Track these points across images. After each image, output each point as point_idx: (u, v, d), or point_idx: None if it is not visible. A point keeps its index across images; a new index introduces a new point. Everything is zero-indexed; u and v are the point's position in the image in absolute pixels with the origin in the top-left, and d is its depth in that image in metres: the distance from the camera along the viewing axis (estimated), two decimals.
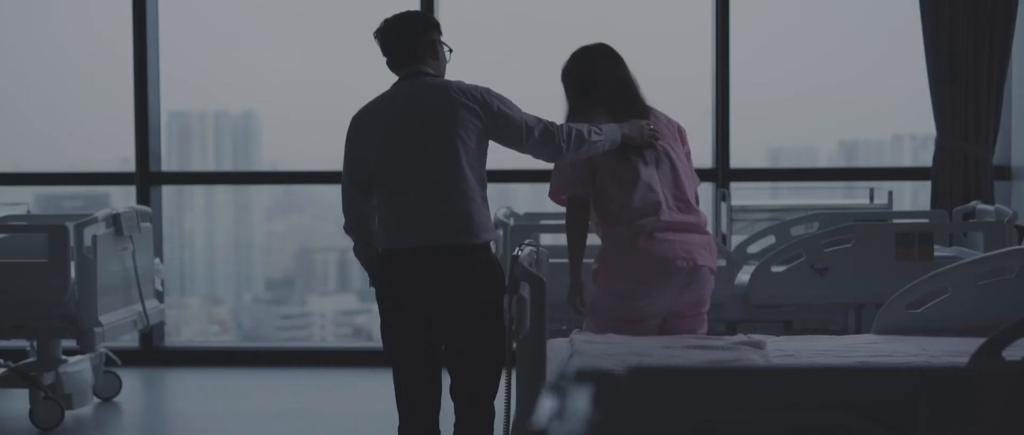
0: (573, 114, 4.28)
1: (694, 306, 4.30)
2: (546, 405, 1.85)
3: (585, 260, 4.34)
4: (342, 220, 4.02)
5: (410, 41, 3.94)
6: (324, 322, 9.53)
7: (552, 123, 3.96)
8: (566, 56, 4.42)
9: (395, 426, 3.99)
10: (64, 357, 5.87)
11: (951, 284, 4.46)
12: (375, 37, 3.99)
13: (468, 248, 3.81)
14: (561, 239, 6.53)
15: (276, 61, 8.71)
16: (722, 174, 7.03)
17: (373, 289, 4.01)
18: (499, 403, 3.83)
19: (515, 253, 3.57)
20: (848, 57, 7.91)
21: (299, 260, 10.19)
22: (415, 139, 3.81)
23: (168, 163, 7.64)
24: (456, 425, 3.97)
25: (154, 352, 7.30)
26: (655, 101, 4.41)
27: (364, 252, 3.99)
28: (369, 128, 3.90)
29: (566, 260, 4.39)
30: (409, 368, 3.91)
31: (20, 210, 6.56)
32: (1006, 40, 6.67)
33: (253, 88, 8.76)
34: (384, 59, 4.00)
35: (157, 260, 6.35)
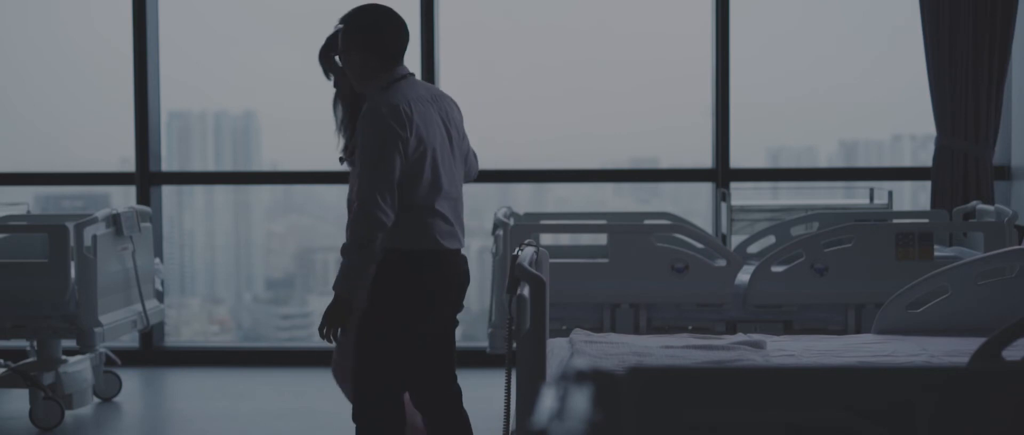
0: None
1: None
2: (546, 405, 1.85)
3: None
4: (343, 220, 3.90)
5: (407, 40, 3.91)
6: None
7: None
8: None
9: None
10: (64, 357, 5.87)
11: (951, 284, 4.46)
12: (376, 29, 3.81)
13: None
14: (561, 239, 6.54)
15: (276, 61, 8.70)
16: (722, 174, 7.03)
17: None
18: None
19: (515, 253, 3.58)
20: (848, 58, 7.90)
21: (299, 260, 10.17)
22: (450, 143, 3.85)
23: (168, 163, 7.64)
24: (448, 413, 3.99)
25: (154, 352, 7.30)
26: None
27: (370, 261, 3.73)
28: (419, 123, 3.72)
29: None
30: (411, 365, 3.92)
31: (20, 210, 6.55)
32: (1006, 40, 6.67)
33: (253, 88, 8.75)
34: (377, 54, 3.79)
35: (157, 260, 6.35)
